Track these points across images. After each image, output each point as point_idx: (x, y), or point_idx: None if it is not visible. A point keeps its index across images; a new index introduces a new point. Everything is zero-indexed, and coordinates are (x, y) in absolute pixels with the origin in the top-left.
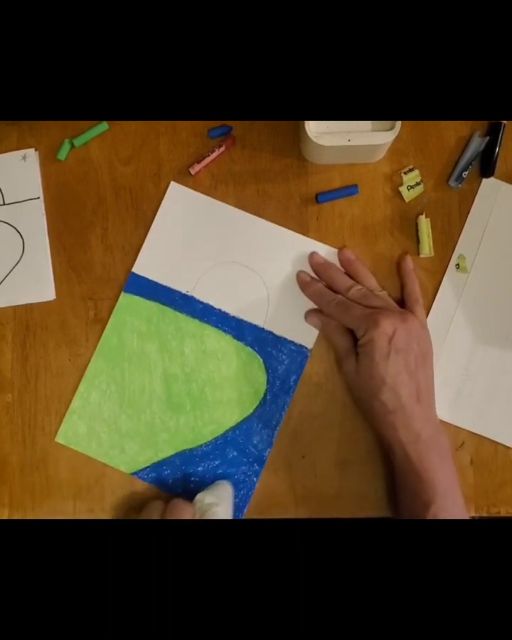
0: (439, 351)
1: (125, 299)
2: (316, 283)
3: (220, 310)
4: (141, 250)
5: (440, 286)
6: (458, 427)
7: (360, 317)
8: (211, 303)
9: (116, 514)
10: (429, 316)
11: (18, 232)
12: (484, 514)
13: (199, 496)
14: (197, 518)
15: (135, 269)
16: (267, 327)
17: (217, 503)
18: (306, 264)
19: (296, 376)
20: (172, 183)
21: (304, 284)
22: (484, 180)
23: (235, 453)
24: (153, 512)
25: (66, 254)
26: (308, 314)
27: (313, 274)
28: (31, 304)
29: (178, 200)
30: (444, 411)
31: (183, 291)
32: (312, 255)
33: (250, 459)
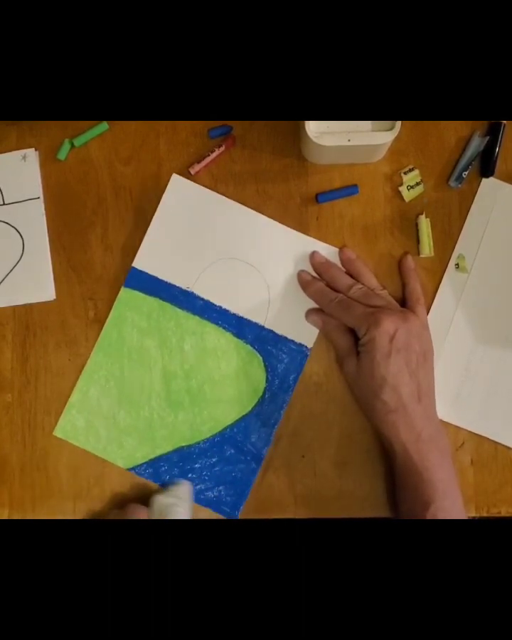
0: (439, 351)
1: (125, 293)
2: (317, 282)
3: (220, 307)
4: (142, 244)
5: (440, 286)
6: (458, 427)
7: (361, 316)
8: (211, 300)
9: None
10: (429, 316)
11: (18, 232)
12: (484, 514)
13: (156, 498)
14: (155, 518)
15: (135, 264)
16: (268, 325)
17: (177, 503)
18: (307, 263)
19: (296, 375)
20: (174, 175)
21: (305, 283)
22: (484, 180)
23: (233, 451)
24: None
25: (66, 254)
26: (309, 313)
27: (314, 274)
28: (31, 303)
29: (180, 194)
30: (444, 411)
31: (184, 287)
32: (313, 254)
33: (248, 457)
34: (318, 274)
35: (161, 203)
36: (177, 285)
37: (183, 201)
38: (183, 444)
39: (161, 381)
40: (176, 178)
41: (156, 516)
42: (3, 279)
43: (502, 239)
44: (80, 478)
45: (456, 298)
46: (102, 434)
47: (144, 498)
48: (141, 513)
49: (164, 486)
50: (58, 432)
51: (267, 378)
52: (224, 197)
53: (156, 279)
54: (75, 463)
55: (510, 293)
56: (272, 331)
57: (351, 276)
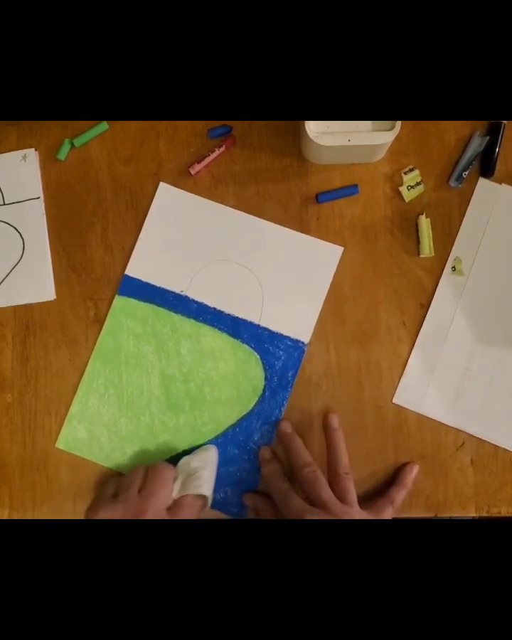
0: (439, 351)
1: (119, 301)
2: (274, 463)
3: (214, 308)
4: (134, 252)
5: (439, 287)
6: (458, 428)
7: (293, 512)
8: (205, 302)
9: None
10: (428, 316)
11: (18, 232)
12: (484, 514)
13: (184, 460)
14: (180, 480)
15: (128, 271)
16: (263, 323)
17: (203, 467)
18: (298, 258)
19: (294, 371)
20: (161, 183)
21: (263, 460)
22: (479, 182)
23: (236, 451)
24: (137, 476)
25: (66, 254)
26: (246, 495)
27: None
28: (31, 303)
29: (168, 201)
30: (444, 412)
31: (177, 291)
32: (280, 423)
33: (251, 457)
34: (281, 443)
35: (149, 211)
36: (170, 290)
37: (172, 208)
38: (186, 447)
39: (160, 386)
40: (162, 186)
41: (181, 478)
42: (3, 279)
43: (501, 239)
44: (80, 478)
45: (456, 298)
46: (104, 443)
47: None
48: (169, 472)
49: (192, 449)
50: (61, 445)
51: (265, 376)
52: (211, 201)
53: (149, 285)
54: (75, 463)
55: (510, 293)
56: (267, 329)
57: (328, 445)
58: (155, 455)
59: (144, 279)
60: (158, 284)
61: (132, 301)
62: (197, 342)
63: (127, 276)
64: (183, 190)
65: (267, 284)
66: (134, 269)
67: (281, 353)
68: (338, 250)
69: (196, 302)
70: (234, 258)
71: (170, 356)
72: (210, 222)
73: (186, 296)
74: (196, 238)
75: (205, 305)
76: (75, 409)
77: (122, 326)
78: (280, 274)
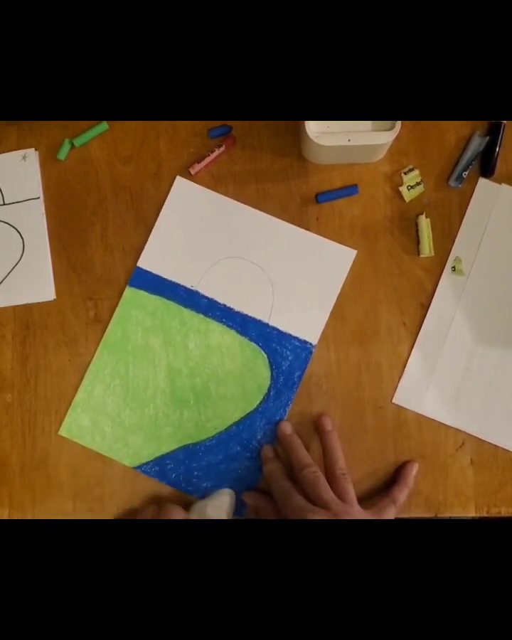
0: (439, 351)
1: (130, 292)
2: (276, 462)
3: (224, 305)
4: (147, 245)
5: (439, 287)
6: (458, 428)
7: (294, 511)
8: (216, 298)
9: (116, 514)
10: (428, 316)
11: (18, 232)
12: (484, 514)
13: (200, 505)
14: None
15: (140, 264)
16: (272, 323)
17: (222, 517)
18: (311, 259)
19: (301, 372)
20: (178, 177)
21: (265, 458)
22: (479, 182)
23: (239, 448)
24: (146, 518)
25: (66, 254)
26: (246, 493)
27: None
28: (31, 303)
29: (184, 195)
30: (444, 412)
31: (188, 285)
32: (281, 424)
33: (253, 455)
34: (280, 444)
35: (165, 204)
36: (182, 284)
37: (187, 202)
38: (189, 442)
39: (165, 379)
40: (179, 180)
41: None
42: (3, 279)
43: (501, 239)
44: (80, 478)
45: (456, 298)
46: (107, 432)
47: (146, 495)
48: (177, 515)
49: (208, 492)
50: (63, 432)
51: (271, 375)
52: (227, 197)
53: (161, 278)
54: (75, 463)
55: (510, 293)
56: (276, 329)
57: (323, 447)
58: (157, 448)
59: (155, 271)
60: (169, 278)
61: (142, 293)
62: (205, 337)
63: (139, 268)
64: (199, 185)
65: (279, 283)
66: (147, 262)
67: (288, 353)
68: (351, 253)
69: (206, 298)
70: (247, 256)
71: (177, 350)
72: (225, 219)
73: (197, 291)
74: (210, 234)
75: (215, 301)
76: (80, 398)
77: (131, 318)
78: (292, 274)
